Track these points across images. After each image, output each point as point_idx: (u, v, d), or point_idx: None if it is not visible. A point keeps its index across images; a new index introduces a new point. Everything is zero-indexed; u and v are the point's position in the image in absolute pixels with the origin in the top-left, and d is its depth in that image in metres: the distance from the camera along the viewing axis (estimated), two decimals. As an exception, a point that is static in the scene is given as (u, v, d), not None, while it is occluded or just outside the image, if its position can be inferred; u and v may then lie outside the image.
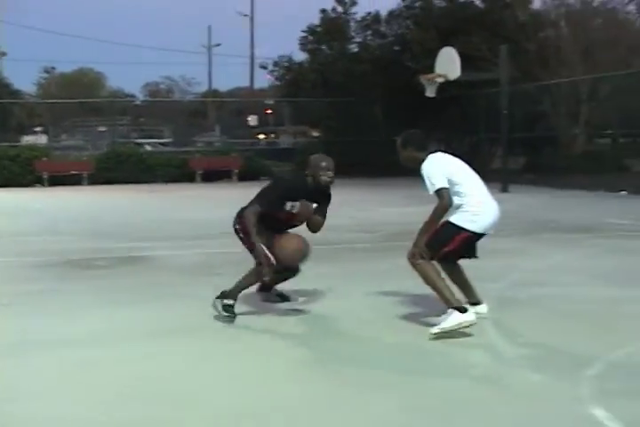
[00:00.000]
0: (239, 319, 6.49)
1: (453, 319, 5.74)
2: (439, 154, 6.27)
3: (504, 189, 21.06)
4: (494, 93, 22.90)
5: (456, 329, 5.73)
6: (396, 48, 31.21)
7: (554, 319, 6.53)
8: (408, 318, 6.55)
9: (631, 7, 32.25)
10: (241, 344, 5.84)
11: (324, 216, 6.69)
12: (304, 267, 8.99)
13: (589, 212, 16.00)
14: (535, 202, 18.45)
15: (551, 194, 20.66)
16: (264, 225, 6.46)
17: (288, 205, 6.47)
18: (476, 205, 6.04)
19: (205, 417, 4.37)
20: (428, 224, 5.99)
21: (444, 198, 5.91)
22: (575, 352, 5.46)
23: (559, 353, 5.49)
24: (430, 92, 20.03)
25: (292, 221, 6.62)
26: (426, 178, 6.02)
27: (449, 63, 19.62)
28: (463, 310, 5.77)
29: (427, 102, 21.82)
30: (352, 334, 6.11)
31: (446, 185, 5.94)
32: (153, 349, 5.75)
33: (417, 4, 31.27)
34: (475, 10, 30.04)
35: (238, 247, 9.51)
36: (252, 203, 6.60)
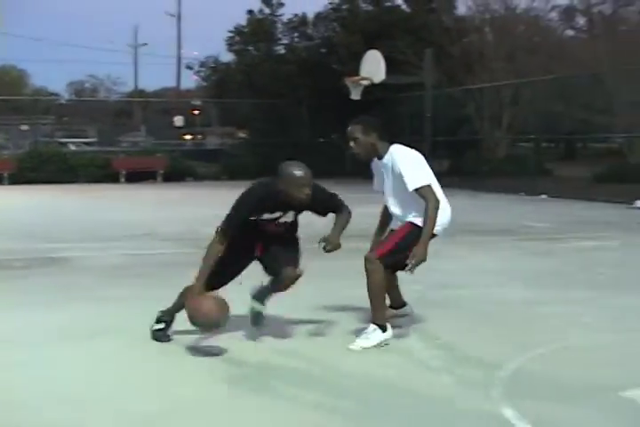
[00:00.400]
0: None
1: (375, 338, 5.63)
2: (404, 146, 5.79)
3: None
4: (419, 97, 23.15)
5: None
6: (323, 50, 31.36)
7: (470, 320, 6.61)
8: (326, 318, 6.56)
9: (553, 14, 32.92)
10: (151, 347, 5.77)
11: (342, 211, 5.82)
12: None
13: (510, 215, 16.25)
14: (458, 204, 18.45)
15: (474, 197, 20.93)
16: (247, 238, 5.63)
17: (264, 215, 5.56)
18: (445, 207, 5.77)
19: (107, 420, 4.34)
20: (429, 231, 5.51)
21: (433, 197, 5.50)
22: (489, 353, 5.53)
23: (473, 354, 5.55)
24: (355, 95, 20.19)
25: (280, 229, 5.72)
26: (409, 170, 5.55)
27: (374, 66, 19.79)
28: (385, 330, 5.68)
29: (352, 104, 21.91)
30: (265, 337, 6.08)
31: (430, 182, 5.58)
32: (64, 351, 5.66)
33: (344, 7, 31.45)
34: (400, 14, 30.34)
35: (159, 249, 9.52)
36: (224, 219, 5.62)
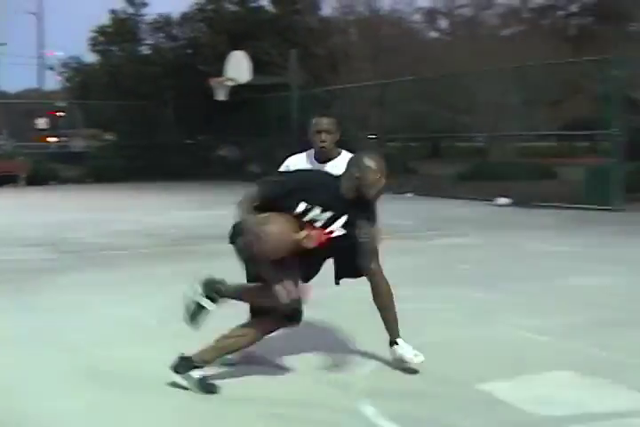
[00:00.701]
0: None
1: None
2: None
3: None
4: (285, 97, 23.18)
5: None
6: (189, 51, 31.06)
7: (333, 319, 6.61)
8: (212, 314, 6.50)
9: (417, 16, 33.57)
10: (12, 357, 5.61)
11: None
12: (79, 275, 8.88)
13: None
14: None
15: (341, 197, 21.03)
16: None
17: (302, 206, 4.69)
18: None
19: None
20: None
21: None
22: (350, 351, 5.55)
23: (335, 352, 5.56)
24: (221, 96, 20.11)
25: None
26: None
27: (238, 67, 19.77)
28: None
29: (220, 106, 21.84)
30: (130, 341, 5.99)
31: None
32: None
33: (209, 8, 31.23)
34: (266, 15, 30.31)
35: (19, 255, 9.19)
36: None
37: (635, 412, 4.38)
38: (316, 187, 4.72)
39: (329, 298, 7.45)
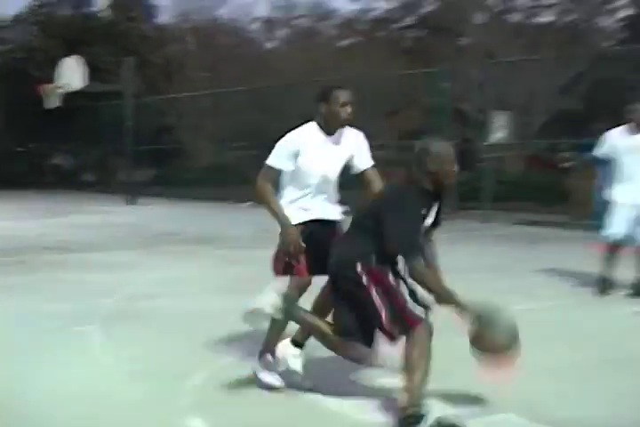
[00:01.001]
0: None
1: None
2: None
3: (130, 202, 21.07)
4: (119, 105, 22.83)
5: None
6: (20, 55, 30.21)
7: (162, 332, 6.49)
8: (37, 329, 6.29)
9: (255, 26, 33.69)
10: None
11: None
12: None
13: (213, 223, 16.35)
14: (160, 214, 18.59)
15: (179, 206, 20.90)
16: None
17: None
18: None
19: None
20: None
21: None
22: (179, 364, 5.46)
23: (163, 365, 5.45)
24: (51, 103, 19.60)
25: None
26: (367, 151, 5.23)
27: (71, 73, 19.32)
28: None
29: (53, 113, 21.28)
30: None
31: None
32: None
33: (42, 11, 30.49)
34: (100, 21, 29.86)
35: None
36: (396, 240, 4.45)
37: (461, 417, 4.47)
38: (424, 200, 4.51)
39: (153, 310, 7.37)
